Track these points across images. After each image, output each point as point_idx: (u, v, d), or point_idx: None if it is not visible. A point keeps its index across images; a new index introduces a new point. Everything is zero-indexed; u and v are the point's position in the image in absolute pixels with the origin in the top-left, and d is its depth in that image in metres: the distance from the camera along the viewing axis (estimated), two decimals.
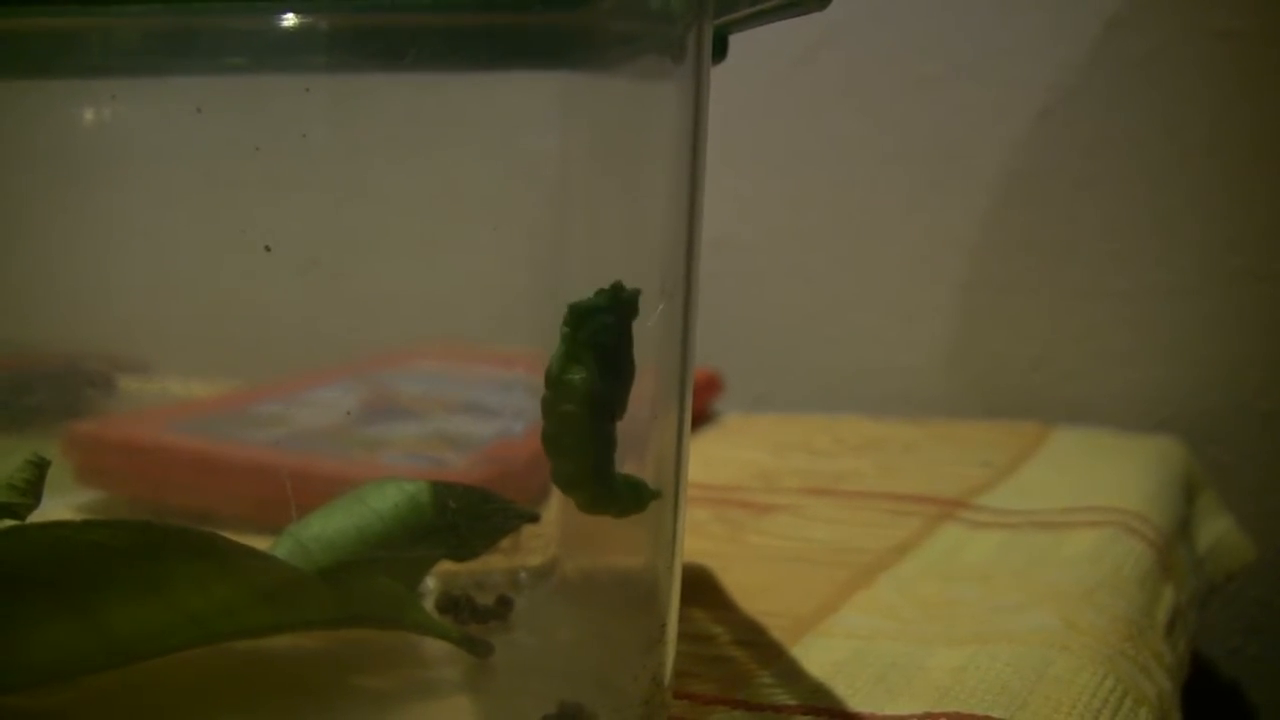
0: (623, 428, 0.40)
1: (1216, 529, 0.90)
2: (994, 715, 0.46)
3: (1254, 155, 1.06)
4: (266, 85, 0.41)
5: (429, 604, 0.48)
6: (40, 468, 0.41)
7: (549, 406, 0.39)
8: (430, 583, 0.49)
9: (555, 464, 0.40)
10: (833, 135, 1.18)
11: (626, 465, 0.40)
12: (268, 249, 0.40)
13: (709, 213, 0.41)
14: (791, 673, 0.51)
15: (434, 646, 0.45)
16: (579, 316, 0.39)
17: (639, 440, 0.41)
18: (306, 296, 0.45)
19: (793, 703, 0.48)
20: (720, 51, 0.49)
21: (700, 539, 0.70)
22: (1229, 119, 1.06)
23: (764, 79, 1.17)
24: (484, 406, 0.54)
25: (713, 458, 0.92)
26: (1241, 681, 1.08)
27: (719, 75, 0.42)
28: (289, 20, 0.39)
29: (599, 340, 0.39)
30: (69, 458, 0.53)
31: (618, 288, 0.39)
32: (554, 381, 0.39)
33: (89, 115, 0.41)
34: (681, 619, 0.43)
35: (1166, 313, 1.09)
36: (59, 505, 0.42)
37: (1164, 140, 1.08)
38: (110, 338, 0.47)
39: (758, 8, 0.43)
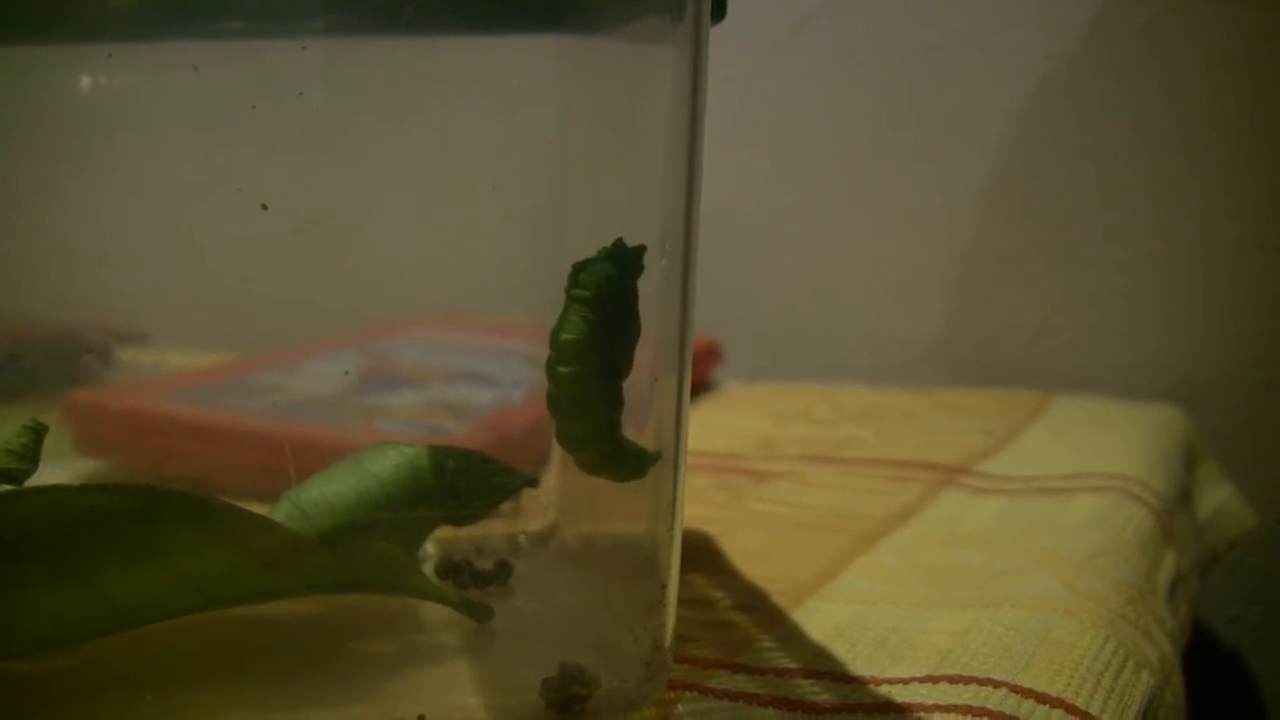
0: (625, 393, 0.40)
1: (1217, 497, 0.90)
2: (996, 678, 0.46)
3: (1254, 124, 1.06)
4: (264, 43, 0.41)
5: (429, 569, 0.48)
6: (38, 432, 0.41)
7: (553, 367, 0.39)
8: (430, 548, 0.49)
9: (561, 425, 0.40)
10: (830, 103, 1.17)
11: (628, 430, 0.40)
12: (264, 207, 0.40)
13: (708, 183, 0.41)
14: (793, 637, 0.51)
15: (434, 611, 0.45)
16: (582, 274, 0.39)
17: (640, 406, 0.41)
18: (304, 264, 0.45)
19: (794, 666, 0.48)
20: (719, 11, 0.49)
21: (701, 506, 0.70)
22: (1229, 87, 1.06)
23: (760, 47, 1.17)
24: (482, 375, 0.54)
25: (713, 426, 0.92)
26: (1242, 649, 1.08)
27: (715, 42, 0.41)
28: None
29: (603, 298, 0.38)
30: (67, 427, 0.53)
31: (620, 245, 0.39)
32: (558, 342, 0.39)
33: (86, 77, 0.41)
34: (682, 584, 0.42)
35: (1167, 282, 1.09)
36: (57, 474, 0.42)
37: (1164, 109, 1.07)
38: (108, 306, 0.47)
39: None
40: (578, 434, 0.40)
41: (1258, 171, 1.06)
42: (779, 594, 0.55)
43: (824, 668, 0.48)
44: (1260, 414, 1.07)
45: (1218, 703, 1.04)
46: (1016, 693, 0.45)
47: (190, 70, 0.40)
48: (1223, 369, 1.08)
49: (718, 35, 0.42)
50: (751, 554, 0.61)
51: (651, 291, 0.40)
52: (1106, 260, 1.10)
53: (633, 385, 0.40)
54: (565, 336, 0.39)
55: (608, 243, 0.39)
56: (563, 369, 0.39)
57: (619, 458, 0.40)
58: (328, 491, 0.44)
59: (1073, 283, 1.12)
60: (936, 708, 0.44)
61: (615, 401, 0.40)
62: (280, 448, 0.46)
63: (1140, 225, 1.09)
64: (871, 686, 0.46)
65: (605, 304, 0.39)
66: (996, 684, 0.46)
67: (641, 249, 0.39)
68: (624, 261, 0.39)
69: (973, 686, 0.46)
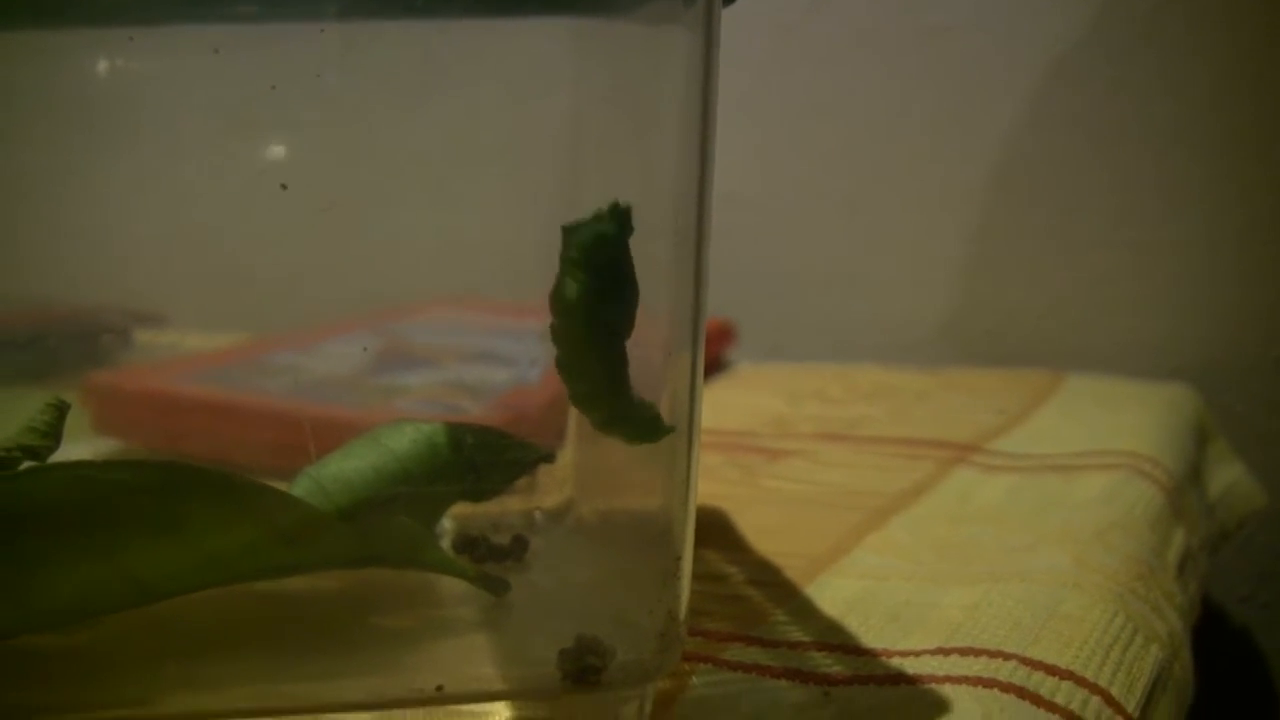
0: (638, 370, 0.41)
1: (1228, 476, 0.90)
2: (1006, 650, 0.47)
3: (1261, 107, 1.06)
4: (282, 26, 0.41)
5: (445, 545, 0.49)
6: (60, 410, 0.41)
7: (557, 331, 0.40)
8: (446, 524, 0.50)
9: (570, 386, 0.41)
10: (841, 86, 1.18)
11: None
12: (284, 187, 0.41)
13: (721, 165, 0.42)
14: (806, 611, 0.51)
15: (451, 586, 0.45)
16: (572, 236, 0.39)
17: (654, 383, 0.41)
18: (320, 246, 0.46)
19: (807, 639, 0.48)
20: None
21: (714, 483, 0.71)
22: (1236, 70, 1.06)
23: (772, 29, 1.17)
24: (498, 355, 0.54)
25: (726, 405, 0.93)
26: (1252, 627, 1.09)
27: (727, 24, 0.42)
28: None
29: (594, 257, 0.39)
30: (86, 407, 0.54)
31: (613, 207, 0.39)
32: (557, 304, 0.40)
33: (106, 59, 0.41)
34: (696, 560, 0.43)
35: (1177, 263, 1.09)
36: (77, 452, 0.42)
37: (1172, 91, 1.07)
38: (127, 287, 0.47)
39: None
40: (582, 392, 0.41)
41: (1266, 153, 1.06)
42: (792, 569, 0.56)
43: (836, 641, 0.48)
44: (1271, 393, 1.08)
45: (1227, 680, 1.04)
46: (1026, 665, 0.46)
47: (210, 53, 0.40)
48: (1233, 348, 1.08)
49: (729, 17, 0.42)
50: (764, 530, 0.61)
51: (664, 271, 0.41)
52: (1117, 241, 1.10)
53: (647, 362, 0.41)
54: (559, 297, 0.40)
55: None
56: (560, 329, 0.40)
57: (626, 417, 0.41)
58: (346, 467, 0.44)
59: (1083, 263, 1.12)
60: (948, 679, 0.45)
61: (615, 360, 0.40)
62: (296, 426, 0.46)
63: (1150, 206, 1.09)
64: (883, 659, 0.47)
65: (594, 263, 0.39)
66: (1007, 656, 0.46)
67: (627, 208, 0.40)
68: (613, 222, 0.40)
69: (983, 659, 0.46)
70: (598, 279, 0.39)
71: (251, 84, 0.41)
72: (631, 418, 0.41)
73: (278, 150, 0.42)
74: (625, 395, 0.40)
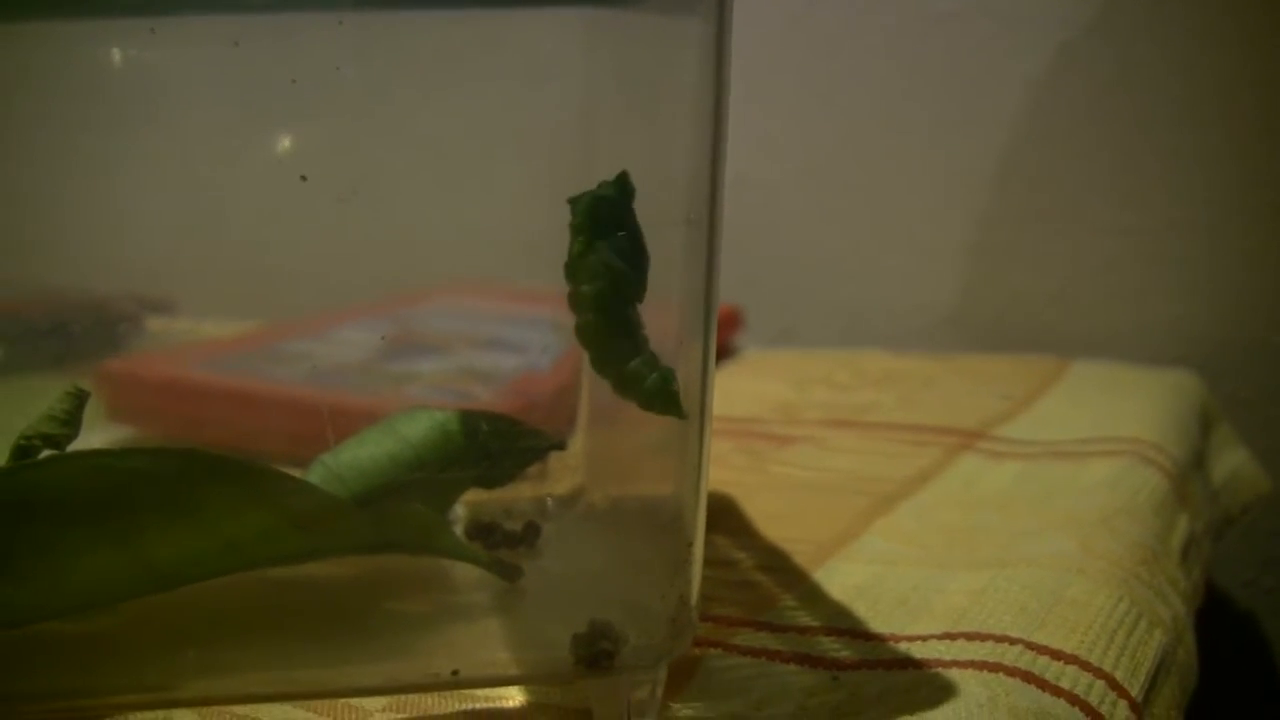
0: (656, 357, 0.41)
1: (1232, 461, 0.90)
2: (1012, 635, 0.47)
3: (1271, 89, 1.06)
4: (301, 18, 0.42)
5: (458, 531, 0.49)
6: (79, 398, 0.42)
7: (572, 298, 0.41)
8: (459, 510, 0.50)
9: (587, 351, 0.41)
10: (850, 73, 1.18)
11: None
12: (304, 179, 0.41)
13: (729, 150, 0.42)
14: (814, 596, 0.52)
15: (464, 572, 0.46)
16: (576, 204, 0.40)
17: None
18: (336, 235, 0.46)
19: (815, 624, 0.49)
20: None
21: (723, 469, 0.71)
22: (1244, 54, 1.06)
23: (779, 15, 1.17)
24: (509, 342, 0.55)
25: (734, 391, 0.93)
26: (1256, 613, 1.09)
27: (736, 12, 0.42)
28: None
29: (595, 221, 0.40)
30: (101, 395, 0.54)
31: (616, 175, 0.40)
32: (568, 271, 0.40)
33: (126, 50, 0.42)
34: (706, 546, 0.43)
35: (1183, 248, 1.09)
36: (92, 440, 0.42)
37: (1179, 75, 1.08)
38: (148, 278, 0.48)
39: None
40: (595, 356, 0.41)
41: (1272, 140, 1.06)
42: (800, 555, 0.56)
43: (844, 625, 0.49)
44: (1275, 378, 1.08)
45: (1231, 665, 1.05)
46: (1032, 649, 0.46)
47: (230, 45, 0.41)
48: (1238, 334, 1.08)
49: (738, 4, 0.43)
50: (773, 516, 0.62)
51: (676, 259, 0.41)
52: (1123, 226, 1.10)
53: (659, 349, 0.41)
54: (569, 263, 0.40)
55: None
56: (572, 296, 0.41)
57: (636, 380, 0.41)
58: (361, 454, 0.45)
59: (1089, 249, 1.12)
60: (954, 664, 0.45)
61: (622, 321, 0.41)
62: (310, 414, 0.47)
63: (1157, 191, 1.09)
64: (891, 643, 0.47)
65: (596, 226, 0.40)
66: (1012, 641, 0.47)
67: (624, 175, 0.40)
68: (615, 187, 0.40)
69: (989, 643, 0.47)
70: (599, 241, 0.40)
71: (271, 76, 0.42)
72: (643, 383, 0.41)
73: (297, 142, 0.43)
74: (636, 358, 0.41)
